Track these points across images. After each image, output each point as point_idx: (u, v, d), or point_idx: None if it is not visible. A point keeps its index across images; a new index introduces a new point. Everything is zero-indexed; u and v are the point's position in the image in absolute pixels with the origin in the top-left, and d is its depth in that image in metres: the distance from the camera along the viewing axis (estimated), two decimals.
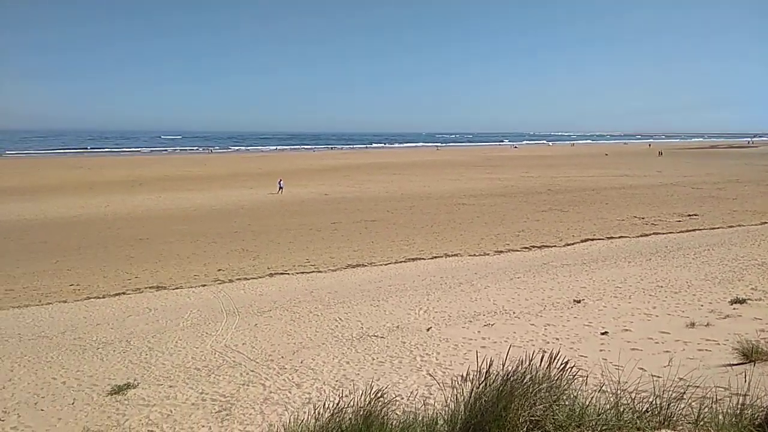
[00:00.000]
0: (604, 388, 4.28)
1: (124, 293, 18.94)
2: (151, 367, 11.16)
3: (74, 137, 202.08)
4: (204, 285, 19.65)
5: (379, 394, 4.69)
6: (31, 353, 12.62)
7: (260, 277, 20.58)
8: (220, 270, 21.62)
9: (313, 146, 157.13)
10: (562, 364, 4.14)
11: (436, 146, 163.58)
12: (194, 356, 11.72)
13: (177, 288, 19.42)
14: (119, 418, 8.51)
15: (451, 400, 4.24)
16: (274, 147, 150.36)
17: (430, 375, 9.12)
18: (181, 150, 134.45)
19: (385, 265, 22.10)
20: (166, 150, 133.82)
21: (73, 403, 9.31)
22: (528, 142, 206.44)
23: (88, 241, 27.17)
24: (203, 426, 7.95)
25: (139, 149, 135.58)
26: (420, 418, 4.58)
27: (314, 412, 4.59)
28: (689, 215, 31.48)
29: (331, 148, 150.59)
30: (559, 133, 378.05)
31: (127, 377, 10.48)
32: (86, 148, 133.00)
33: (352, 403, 4.51)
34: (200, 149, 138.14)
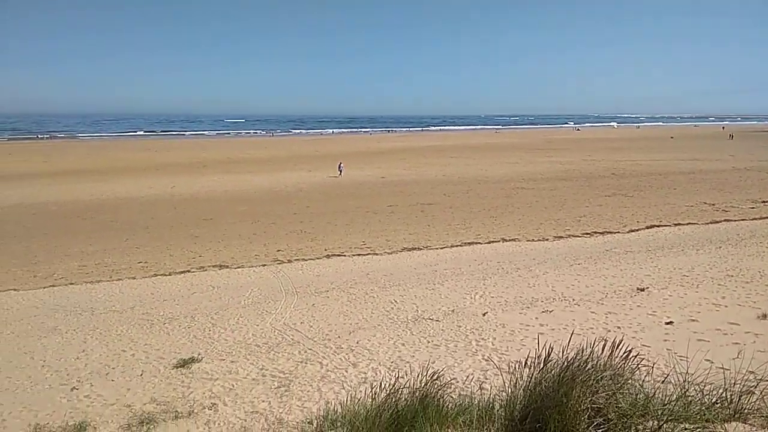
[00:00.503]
0: (669, 378, 4.13)
1: (189, 271, 19.65)
2: (214, 343, 11.56)
3: (142, 121, 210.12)
4: (264, 265, 20.12)
5: (434, 377, 4.69)
6: (103, 326, 13.30)
7: (318, 258, 20.90)
8: (279, 250, 22.09)
9: (371, 129, 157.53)
10: (625, 352, 4.01)
11: (496, 129, 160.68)
12: (255, 333, 12.06)
13: (239, 267, 19.99)
14: (184, 390, 8.86)
15: (508, 385, 4.18)
16: (332, 130, 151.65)
17: (486, 359, 9.05)
18: (244, 133, 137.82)
19: (441, 248, 21.99)
20: (229, 133, 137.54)
21: (141, 375, 9.77)
22: (592, 124, 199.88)
23: (155, 221, 28.32)
24: (263, 401, 8.18)
25: (203, 132, 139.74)
26: (476, 402, 4.57)
27: (371, 392, 4.64)
28: (763, 201, 29.79)
29: (389, 130, 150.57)
30: (626, 115, 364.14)
31: (192, 351, 10.89)
32: (155, 131, 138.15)
33: (408, 384, 4.54)
34: (262, 132, 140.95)
